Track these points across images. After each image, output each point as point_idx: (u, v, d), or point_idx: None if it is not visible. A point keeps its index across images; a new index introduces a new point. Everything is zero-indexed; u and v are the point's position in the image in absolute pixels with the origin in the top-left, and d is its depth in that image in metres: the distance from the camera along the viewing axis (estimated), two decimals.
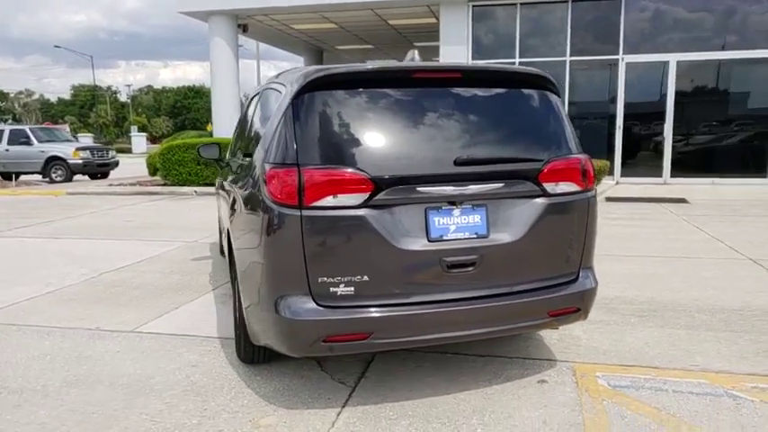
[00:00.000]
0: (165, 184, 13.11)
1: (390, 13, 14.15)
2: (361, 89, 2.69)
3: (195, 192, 12.17)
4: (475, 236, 2.68)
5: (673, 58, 12.04)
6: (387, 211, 2.57)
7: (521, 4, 12.42)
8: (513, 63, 12.67)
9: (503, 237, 2.72)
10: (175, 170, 12.89)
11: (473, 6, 12.47)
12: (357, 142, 2.61)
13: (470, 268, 2.66)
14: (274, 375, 3.18)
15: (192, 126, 64.42)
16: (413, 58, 3.14)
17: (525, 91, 2.90)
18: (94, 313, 4.31)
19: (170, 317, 4.20)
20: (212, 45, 14.43)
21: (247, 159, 3.33)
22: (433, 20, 14.92)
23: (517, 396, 2.91)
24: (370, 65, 2.78)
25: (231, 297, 4.15)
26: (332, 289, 2.57)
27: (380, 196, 2.54)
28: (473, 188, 2.66)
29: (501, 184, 2.71)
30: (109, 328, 3.98)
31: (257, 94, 4.02)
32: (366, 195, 2.53)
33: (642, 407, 2.78)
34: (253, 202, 2.78)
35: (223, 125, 13.92)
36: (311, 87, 2.64)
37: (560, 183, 2.81)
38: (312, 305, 2.56)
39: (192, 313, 4.28)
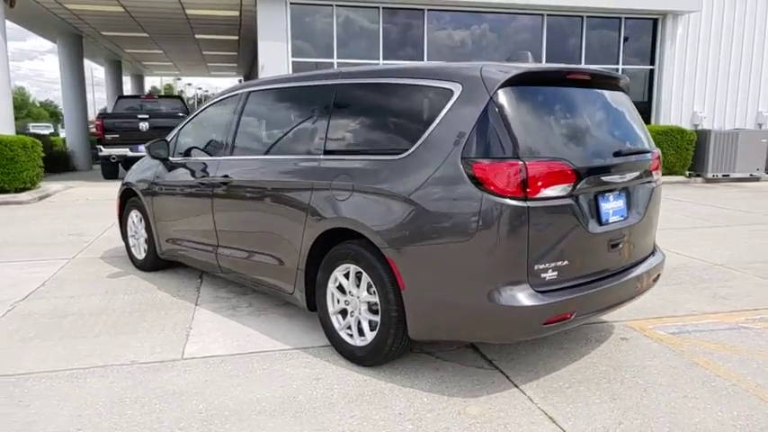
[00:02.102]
0: None
1: (193, 2, 13.26)
2: (542, 86, 2.91)
3: None
4: (621, 218, 3.13)
5: None
6: (579, 199, 2.86)
7: (336, 5, 12.87)
8: (332, 63, 13.10)
9: (634, 219, 3.22)
10: None
11: (290, 3, 12.49)
12: (556, 135, 2.85)
13: (619, 246, 3.11)
14: (409, 371, 3.17)
15: None
16: (527, 59, 3.40)
17: (623, 93, 3.44)
18: (97, 348, 3.55)
19: (198, 339, 3.70)
20: None
21: (351, 157, 3.23)
22: (235, 13, 14.44)
23: (624, 352, 3.45)
24: (548, 65, 3.00)
25: (233, 308, 3.79)
26: (543, 275, 2.76)
27: (580, 186, 2.82)
28: (628, 176, 3.11)
29: (638, 173, 3.21)
30: (151, 360, 3.35)
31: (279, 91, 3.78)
32: (572, 185, 2.79)
33: (708, 344, 3.57)
34: (444, 197, 2.77)
35: None
36: (509, 83, 2.77)
37: (656, 171, 3.43)
38: (532, 291, 2.72)
39: (219, 331, 3.82)
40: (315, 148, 3.51)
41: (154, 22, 15.75)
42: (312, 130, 3.59)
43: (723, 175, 14.04)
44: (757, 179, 14.14)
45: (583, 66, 2.93)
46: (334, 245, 3.37)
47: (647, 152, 3.34)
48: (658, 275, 3.51)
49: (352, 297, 3.27)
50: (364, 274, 3.15)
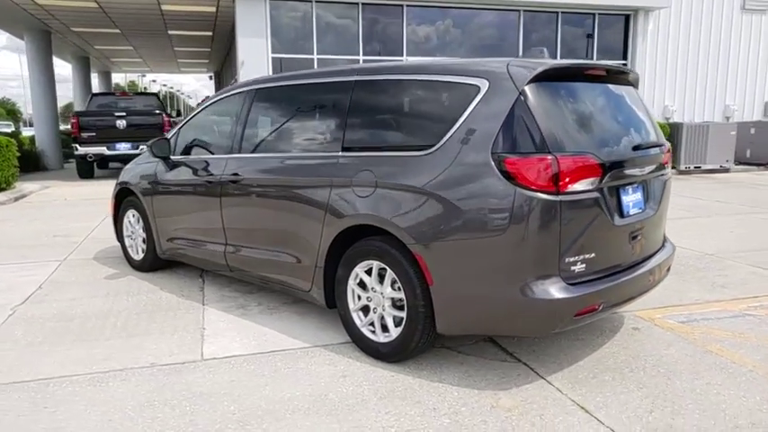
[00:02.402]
0: None
1: None
2: (564, 82, 2.95)
3: None
4: (640, 211, 3.20)
5: None
6: (604, 192, 2.91)
7: (315, 1, 12.77)
8: (312, 60, 13.01)
9: (650, 211, 3.30)
10: None
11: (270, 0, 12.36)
12: (580, 130, 2.89)
13: (638, 238, 3.18)
14: (433, 366, 3.20)
15: None
16: (543, 54, 3.43)
17: (633, 88, 3.50)
18: (112, 351, 3.48)
19: (215, 339, 3.65)
20: None
21: (367, 152, 3.23)
22: (212, 9, 14.22)
23: (640, 341, 3.53)
24: (569, 61, 3.04)
25: (242, 307, 3.75)
26: (572, 268, 2.81)
27: (605, 179, 2.87)
28: (647, 169, 3.18)
29: (654, 166, 3.28)
30: (171, 362, 3.30)
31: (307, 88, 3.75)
32: (598, 179, 2.84)
33: (718, 332, 3.67)
34: (474, 192, 2.78)
35: None
36: (536, 79, 2.80)
37: (667, 165, 3.51)
38: (564, 284, 2.76)
39: (234, 330, 3.78)
40: (332, 145, 3.49)
41: (127, 18, 15.41)
42: (328, 127, 3.57)
43: (695, 167, 14.42)
44: (727, 170, 14.57)
45: (599, 62, 2.96)
46: (353, 241, 3.37)
47: (662, 145, 3.42)
48: (669, 267, 3.60)
49: (374, 293, 3.27)
50: (388, 270, 3.15)
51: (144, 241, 5.20)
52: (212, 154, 4.44)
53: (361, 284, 3.36)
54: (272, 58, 12.53)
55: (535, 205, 2.67)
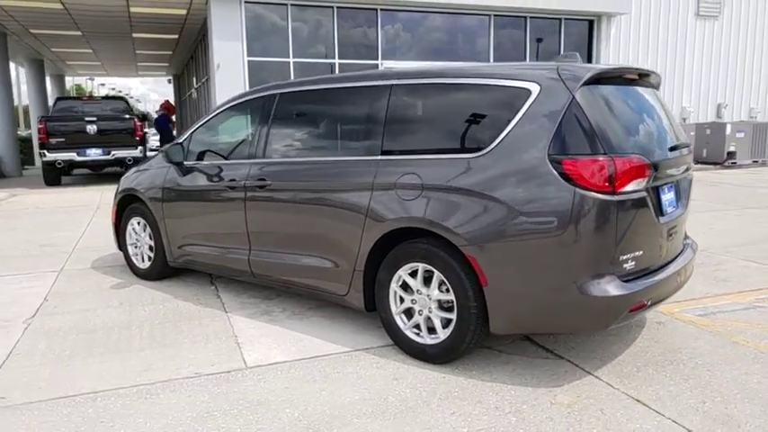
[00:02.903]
0: None
1: (140, 0, 12.67)
2: (608, 85, 3.05)
3: None
4: (674, 209, 3.34)
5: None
6: (650, 191, 3.02)
7: (291, 4, 12.69)
8: (288, 63, 12.92)
9: (681, 209, 3.44)
10: None
11: (245, 2, 12.21)
12: (627, 131, 2.99)
13: (672, 236, 3.31)
14: (480, 366, 3.25)
15: None
16: (576, 59, 3.52)
17: (655, 90, 3.64)
18: (149, 362, 3.40)
19: (251, 347, 3.61)
20: None
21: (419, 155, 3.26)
22: (182, 11, 13.94)
23: (668, 335, 3.67)
24: (611, 65, 3.13)
25: (267, 313, 3.72)
26: (625, 265, 2.91)
27: (651, 179, 2.98)
28: (681, 169, 3.32)
29: (686, 166, 3.42)
30: (215, 371, 3.25)
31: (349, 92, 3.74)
32: (647, 179, 2.94)
33: (737, 324, 3.85)
34: (531, 193, 2.85)
35: None
36: (587, 83, 2.90)
37: (691, 164, 3.67)
38: (619, 282, 2.86)
39: (267, 337, 3.74)
40: (370, 149, 3.50)
41: (91, 20, 14.94)
42: (364, 131, 3.58)
43: None
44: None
45: (631, 66, 3.07)
46: (395, 244, 3.38)
47: (689, 145, 3.57)
48: (693, 267, 3.75)
49: (420, 296, 3.30)
50: (436, 272, 3.18)
51: (151, 249, 5.08)
52: (230, 159, 4.38)
53: (404, 287, 3.38)
54: (249, 61, 12.39)
55: (593, 205, 2.76)
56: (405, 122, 3.43)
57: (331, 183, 3.63)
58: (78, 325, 4.04)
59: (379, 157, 3.45)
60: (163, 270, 5.07)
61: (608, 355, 3.38)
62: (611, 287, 2.83)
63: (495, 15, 14.80)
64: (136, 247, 5.25)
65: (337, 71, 13.27)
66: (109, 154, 12.52)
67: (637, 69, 3.28)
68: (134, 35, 17.16)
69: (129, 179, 5.25)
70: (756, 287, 4.65)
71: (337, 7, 13.10)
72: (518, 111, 2.98)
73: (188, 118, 23.36)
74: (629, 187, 2.85)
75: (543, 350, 3.48)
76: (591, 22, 16.16)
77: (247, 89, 11.87)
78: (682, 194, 3.49)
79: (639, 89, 3.39)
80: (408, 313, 3.41)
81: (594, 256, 2.81)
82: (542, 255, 2.86)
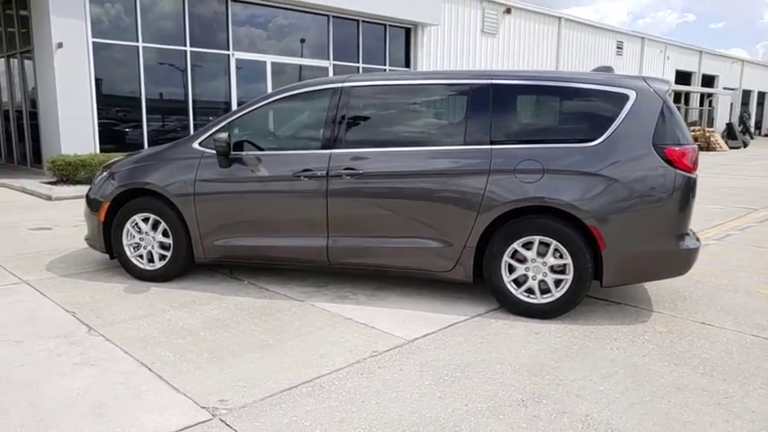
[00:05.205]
0: None
1: None
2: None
3: None
4: None
5: (269, 59, 14.07)
6: None
7: None
8: (137, 47, 11.88)
9: None
10: None
11: None
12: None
13: None
14: (579, 317, 4.06)
15: None
16: (612, 71, 4.45)
17: None
18: (283, 361, 3.46)
19: (379, 325, 3.87)
20: None
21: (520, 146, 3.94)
22: None
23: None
24: (668, 80, 4.12)
25: (341, 298, 4.03)
26: (690, 226, 3.98)
27: None
28: None
29: None
30: (388, 347, 3.50)
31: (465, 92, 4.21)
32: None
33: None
34: (642, 173, 3.74)
35: None
36: (666, 92, 3.88)
37: None
38: (693, 238, 3.92)
39: (380, 315, 4.02)
40: (479, 140, 4.02)
41: None
42: (473, 123, 4.06)
43: None
44: None
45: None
46: (503, 222, 3.98)
47: None
48: None
49: (534, 264, 3.96)
50: (554, 242, 3.88)
51: (165, 247, 4.74)
52: (295, 150, 4.45)
53: (515, 256, 3.99)
54: (93, 42, 11.12)
55: (686, 182, 3.77)
56: (513, 117, 4.06)
57: (442, 169, 4.05)
58: (167, 329, 3.76)
59: (491, 147, 3.99)
60: (181, 269, 4.79)
61: (647, 298, 4.44)
62: (691, 243, 3.88)
63: (333, 16, 15.48)
64: (138, 247, 4.83)
65: (188, 59, 12.63)
66: None
67: (669, 81, 4.39)
68: None
69: (134, 171, 4.80)
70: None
71: None
72: (621, 110, 3.85)
73: None
74: (697, 169, 3.92)
75: (610, 301, 4.38)
76: (408, 30, 17.84)
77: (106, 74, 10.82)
78: None
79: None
80: (515, 281, 4.03)
81: (684, 220, 3.83)
82: (650, 220, 3.78)
